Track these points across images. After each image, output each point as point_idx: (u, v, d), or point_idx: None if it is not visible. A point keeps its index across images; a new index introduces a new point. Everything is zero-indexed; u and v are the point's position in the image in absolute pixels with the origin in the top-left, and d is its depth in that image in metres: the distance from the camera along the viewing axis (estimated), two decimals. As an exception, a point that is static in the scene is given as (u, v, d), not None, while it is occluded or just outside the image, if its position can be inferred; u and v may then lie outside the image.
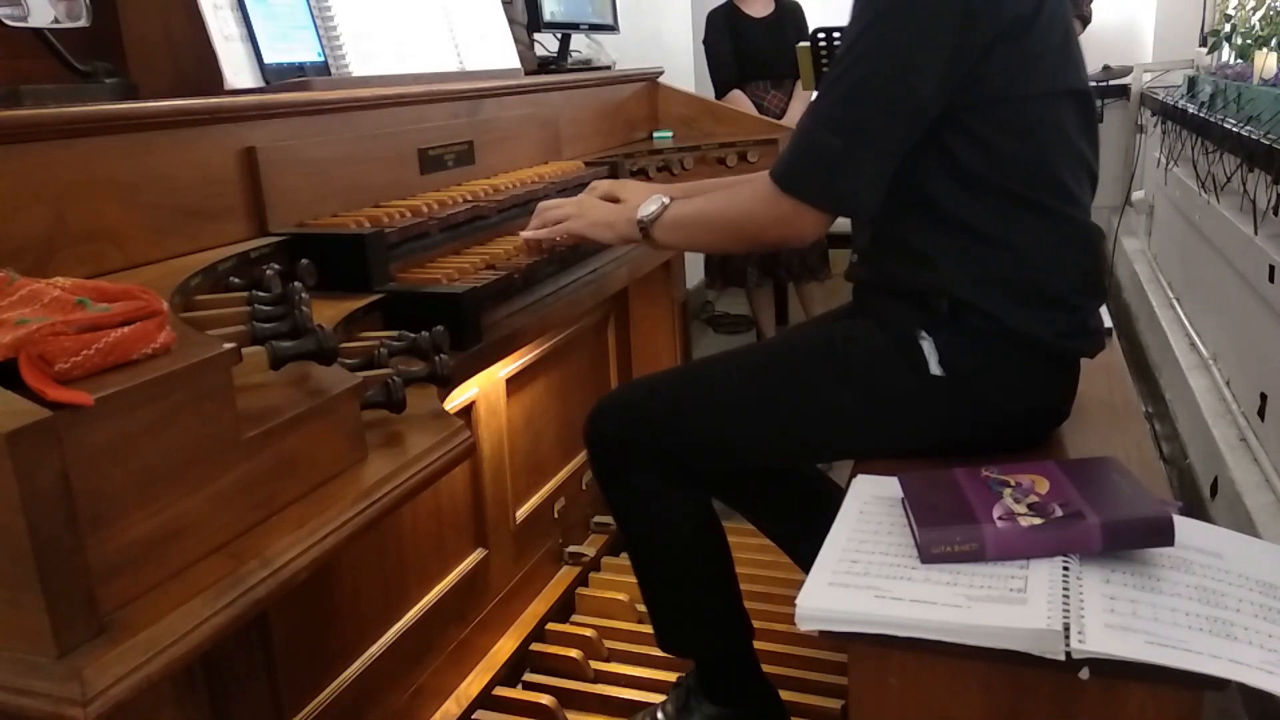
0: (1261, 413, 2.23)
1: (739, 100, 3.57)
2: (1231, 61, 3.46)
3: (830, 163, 1.16)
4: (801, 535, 1.48)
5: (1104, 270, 1.27)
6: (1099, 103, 5.00)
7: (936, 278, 1.20)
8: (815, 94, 1.23)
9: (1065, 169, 1.20)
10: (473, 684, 1.68)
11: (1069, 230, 1.21)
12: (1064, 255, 1.21)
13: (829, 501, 1.37)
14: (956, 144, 1.17)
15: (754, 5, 3.64)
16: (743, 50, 3.59)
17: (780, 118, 3.48)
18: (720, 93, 3.64)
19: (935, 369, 1.21)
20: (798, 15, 3.69)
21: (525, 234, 1.38)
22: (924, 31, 1.12)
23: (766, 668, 1.52)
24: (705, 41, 3.67)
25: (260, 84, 1.33)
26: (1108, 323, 1.59)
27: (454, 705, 1.63)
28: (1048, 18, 1.16)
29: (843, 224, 1.31)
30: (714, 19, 3.67)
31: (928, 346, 1.21)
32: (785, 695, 1.56)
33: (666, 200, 1.33)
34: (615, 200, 1.42)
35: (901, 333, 1.22)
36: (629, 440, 1.34)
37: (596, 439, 1.38)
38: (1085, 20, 4.41)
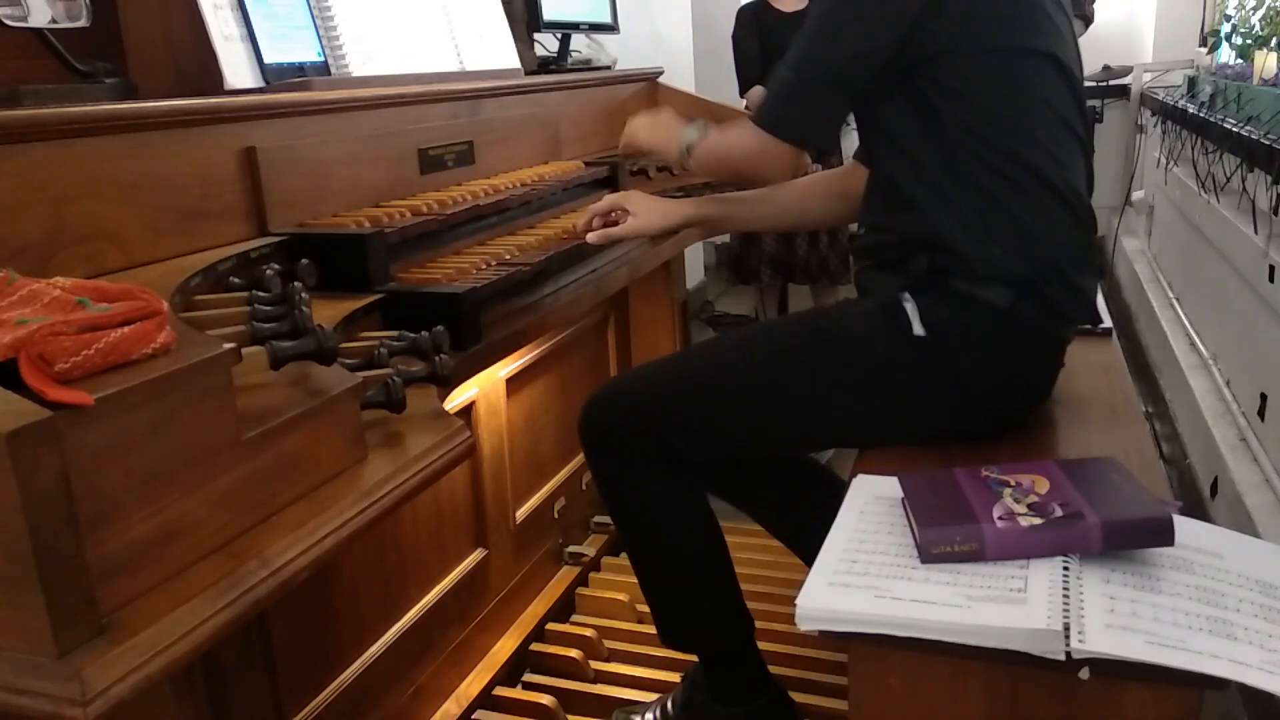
0: (1261, 413, 2.23)
1: (759, 97, 3.54)
2: (1231, 61, 3.47)
3: (783, 92, 1.30)
4: (803, 528, 1.49)
5: (1090, 245, 1.30)
6: (1099, 103, 5.00)
7: (918, 221, 1.24)
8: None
9: (1040, 127, 1.22)
10: (473, 684, 1.68)
11: (1048, 192, 1.22)
12: (1044, 219, 1.22)
13: (830, 492, 1.38)
14: (932, 91, 1.22)
15: (785, 0, 3.60)
16: (769, 46, 3.55)
17: None
18: (743, 89, 3.62)
19: (918, 329, 1.23)
20: None
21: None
22: None
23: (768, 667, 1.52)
24: (733, 37, 3.65)
25: (260, 84, 1.33)
26: (1105, 320, 1.60)
27: (454, 705, 1.63)
28: None
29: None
30: (742, 15, 3.65)
31: (910, 308, 1.23)
32: (785, 695, 1.56)
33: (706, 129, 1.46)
34: (625, 212, 1.51)
35: (886, 297, 1.26)
36: (623, 431, 1.35)
37: (591, 432, 1.39)
38: (1087, 20, 4.40)
